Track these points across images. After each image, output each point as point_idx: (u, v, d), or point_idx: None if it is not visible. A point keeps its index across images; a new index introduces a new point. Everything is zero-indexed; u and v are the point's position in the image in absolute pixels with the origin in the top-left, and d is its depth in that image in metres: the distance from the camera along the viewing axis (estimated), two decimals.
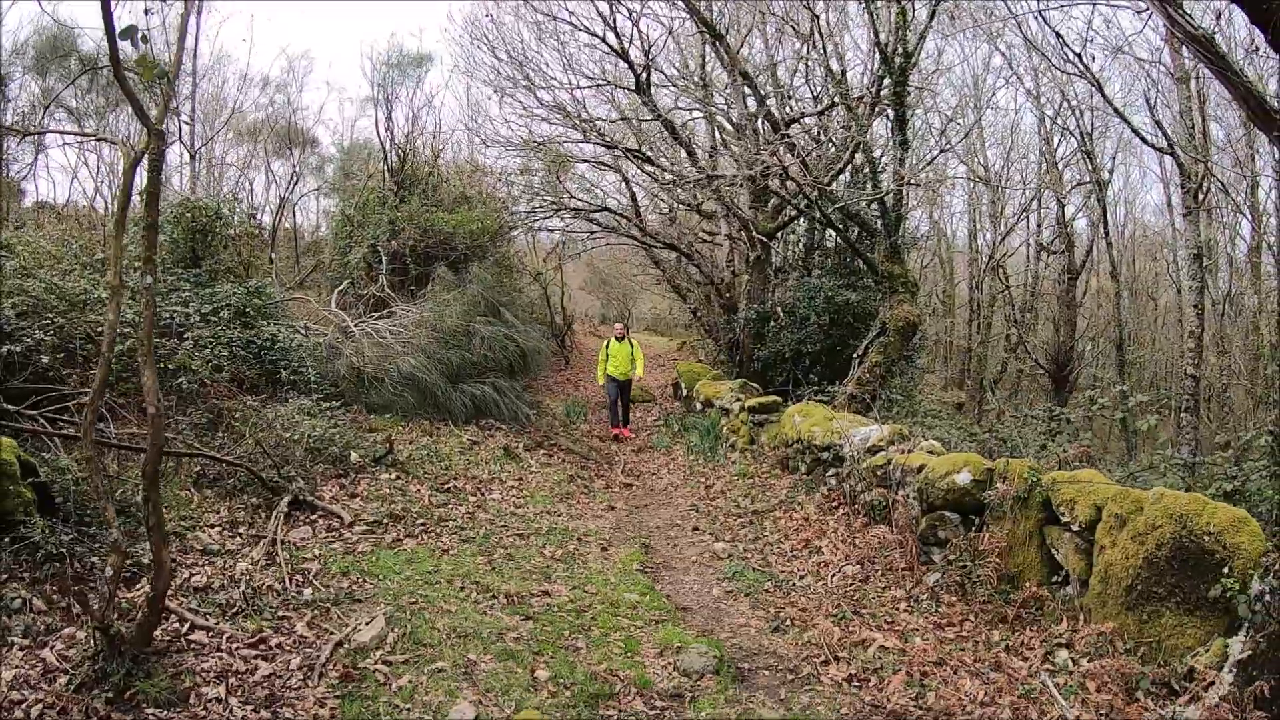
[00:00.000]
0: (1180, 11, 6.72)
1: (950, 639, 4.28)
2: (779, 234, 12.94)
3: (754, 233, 11.75)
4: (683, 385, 12.77)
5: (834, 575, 5.38)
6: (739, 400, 10.15)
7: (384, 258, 9.30)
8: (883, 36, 9.67)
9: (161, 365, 5.64)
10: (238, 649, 3.64)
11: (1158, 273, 19.06)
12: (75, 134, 13.79)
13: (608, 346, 11.06)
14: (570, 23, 10.75)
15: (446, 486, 6.36)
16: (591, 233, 14.14)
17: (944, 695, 3.66)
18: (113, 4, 2.91)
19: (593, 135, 11.68)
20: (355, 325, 7.48)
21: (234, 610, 3.95)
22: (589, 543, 6.00)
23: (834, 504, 6.84)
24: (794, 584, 5.34)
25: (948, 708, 3.54)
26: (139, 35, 2.93)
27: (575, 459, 8.50)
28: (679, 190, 12.67)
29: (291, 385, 6.50)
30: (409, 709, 3.38)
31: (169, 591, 3.48)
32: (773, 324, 12.03)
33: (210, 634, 3.71)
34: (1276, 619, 3.24)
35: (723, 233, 12.98)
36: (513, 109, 12.13)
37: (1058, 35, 12.65)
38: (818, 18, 9.54)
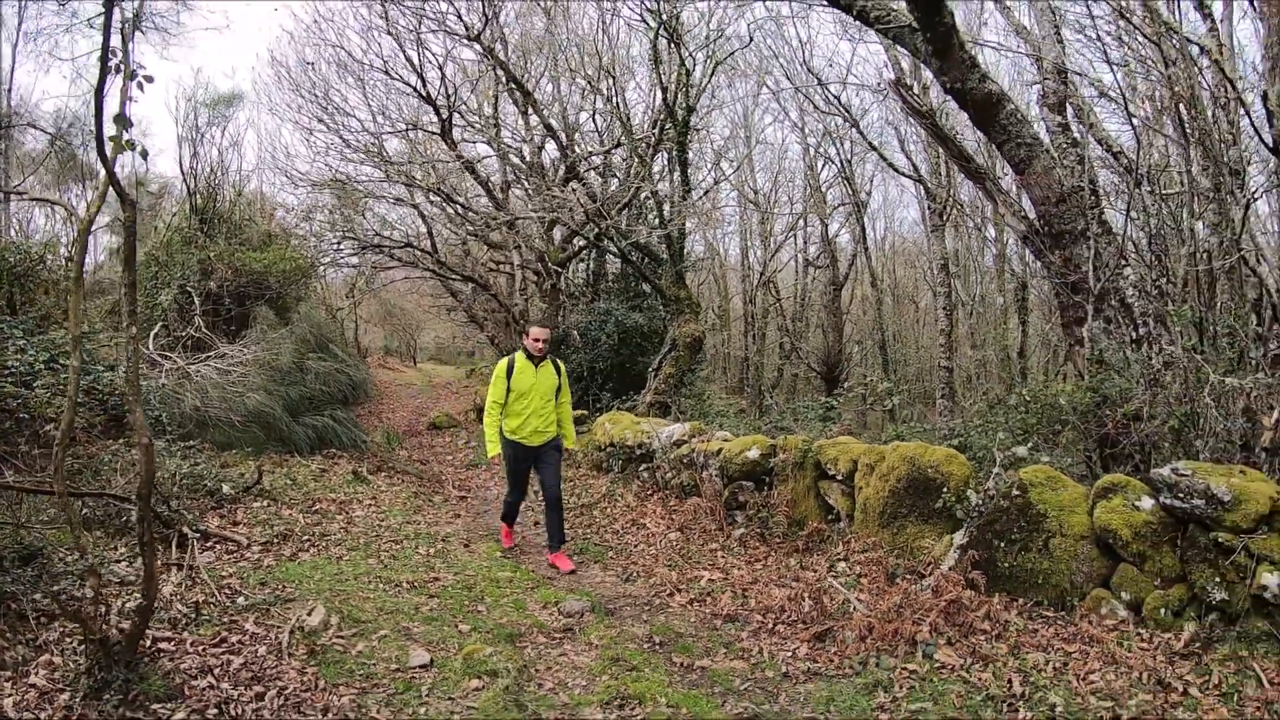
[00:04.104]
0: (910, 92, 8.83)
1: (759, 569, 5.78)
2: (569, 262, 14.35)
3: (548, 263, 13.05)
4: None
5: (661, 541, 6.75)
6: None
7: (196, 299, 9.40)
8: (667, 89, 11.47)
9: (21, 414, 5.82)
10: (205, 650, 4.25)
11: (916, 279, 22.50)
12: (23, 195, 12.44)
13: (509, 374, 6.31)
14: (386, 71, 11.46)
15: (314, 509, 6.97)
16: (388, 266, 14.68)
17: (761, 600, 5.11)
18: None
19: (396, 175, 12.38)
20: (191, 366, 7.74)
21: (184, 623, 4.50)
22: (452, 542, 6.90)
23: (649, 491, 8.22)
24: (631, 551, 6.65)
25: (766, 606, 4.99)
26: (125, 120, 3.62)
27: (412, 479, 9.27)
28: (467, 224, 13.65)
29: None
30: (375, 663, 4.23)
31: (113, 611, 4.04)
32: (567, 346, 13.37)
33: (174, 643, 4.28)
34: (982, 519, 4.95)
35: (515, 262, 14.16)
36: (318, 149, 12.53)
37: (820, 83, 15.31)
38: (613, 77, 11.06)
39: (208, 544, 5.64)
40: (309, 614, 4.76)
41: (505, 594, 5.51)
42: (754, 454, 6.74)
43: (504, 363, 6.48)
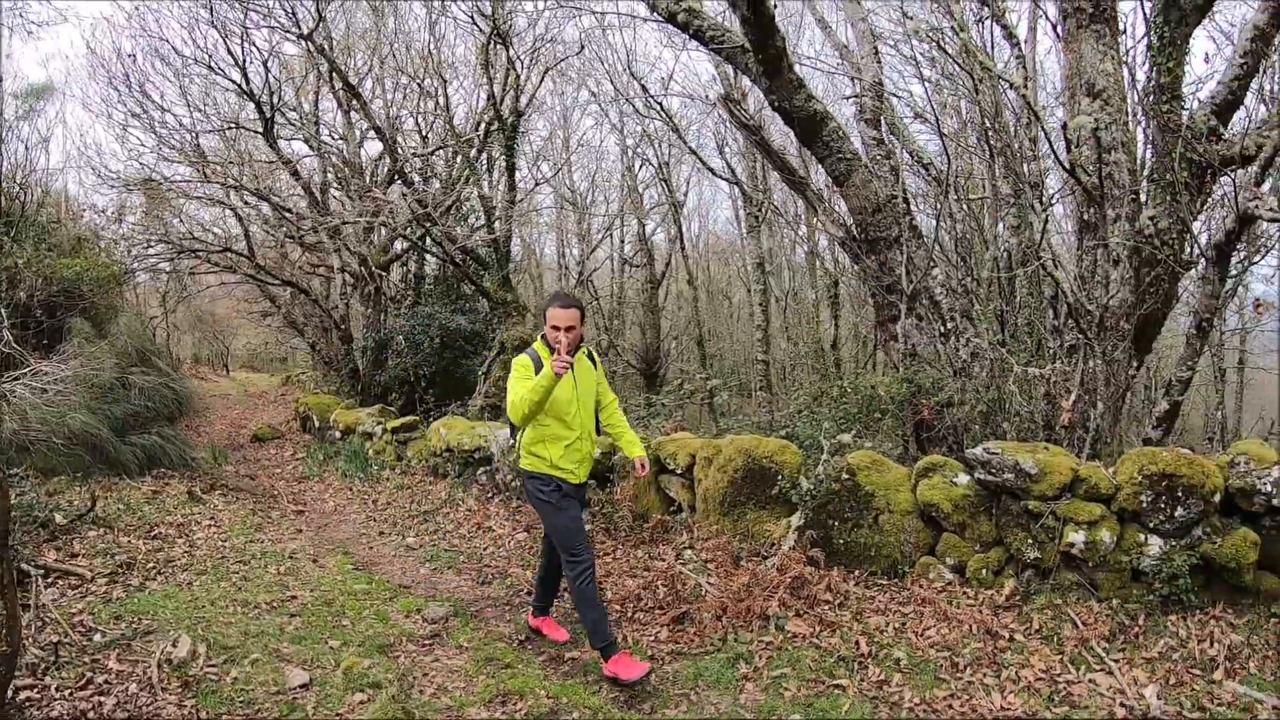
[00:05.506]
0: (739, 107, 9.21)
1: (609, 561, 6.29)
2: (391, 265, 14.29)
3: (370, 266, 12.97)
4: (314, 417, 13.35)
5: (510, 542, 7.19)
6: (380, 423, 11.43)
7: (3, 311, 8.61)
8: (495, 93, 11.72)
9: None
10: (72, 694, 4.21)
11: (730, 275, 23.45)
12: None
13: (535, 364, 4.37)
14: (209, 66, 10.93)
15: (154, 534, 6.81)
16: (204, 271, 13.94)
17: (617, 591, 5.60)
18: None
19: (214, 175, 11.86)
20: (5, 385, 7.20)
21: (43, 668, 4.43)
22: (300, 558, 6.97)
23: (489, 494, 8.55)
24: (482, 554, 7.03)
25: (623, 596, 5.47)
26: None
27: (246, 495, 9.11)
28: (285, 226, 13.28)
29: None
30: (253, 688, 4.38)
31: None
32: (390, 350, 13.35)
33: (38, 690, 4.24)
34: (816, 502, 5.52)
35: (335, 265, 13.93)
36: (132, 147, 11.78)
37: (644, 89, 15.83)
38: (443, 79, 11.20)
39: (49, 579, 5.49)
40: (174, 645, 4.83)
41: (366, 606, 5.72)
42: (595, 453, 7.32)
43: (525, 358, 4.45)
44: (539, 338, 4.54)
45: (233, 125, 12.13)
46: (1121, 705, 3.82)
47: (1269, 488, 4.47)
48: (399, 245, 14.10)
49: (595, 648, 4.45)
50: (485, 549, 7.19)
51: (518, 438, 4.70)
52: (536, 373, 4.32)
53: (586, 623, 4.44)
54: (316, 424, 13.24)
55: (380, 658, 4.79)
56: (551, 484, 4.56)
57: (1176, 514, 4.56)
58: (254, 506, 8.66)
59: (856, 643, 4.53)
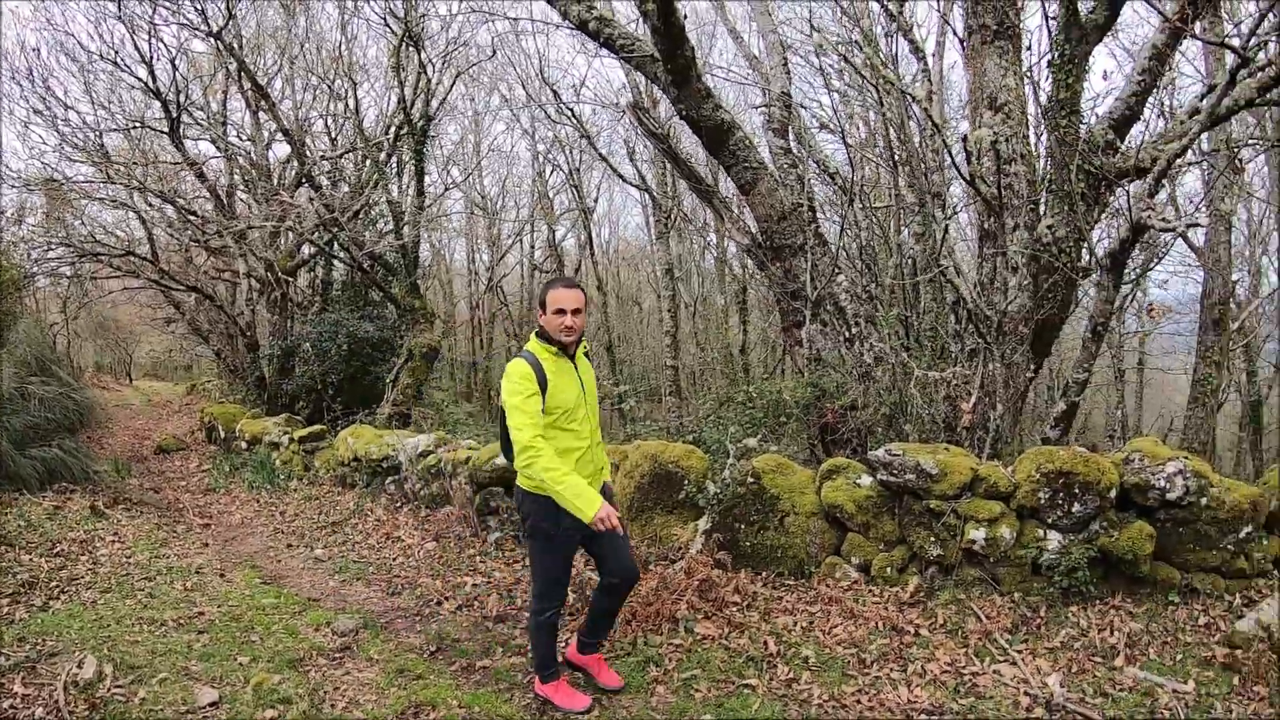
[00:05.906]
0: (648, 115, 9.25)
1: (519, 569, 6.45)
2: (298, 271, 14.16)
3: (277, 272, 12.85)
4: (220, 427, 13.14)
5: (419, 551, 7.31)
6: (287, 433, 11.36)
7: None
8: (406, 97, 11.72)
9: None
10: None
11: (640, 281, 23.59)
12: None
13: (543, 382, 3.70)
14: (115, 62, 10.64)
15: (56, 551, 6.75)
16: (106, 276, 13.52)
17: (527, 599, 5.62)
18: None
19: (118, 176, 11.56)
20: None
21: None
22: (207, 573, 6.98)
23: (398, 504, 8.64)
24: (391, 564, 7.11)
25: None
26: None
27: (151, 510, 9.02)
28: (191, 230, 13.03)
29: None
30: (162, 708, 4.42)
31: None
32: (297, 358, 13.23)
33: None
34: (723, 506, 5.62)
35: (240, 271, 13.70)
36: (33, 145, 11.36)
37: (556, 95, 15.97)
38: (353, 81, 11.20)
39: None
40: (80, 666, 4.87)
41: (275, 620, 5.78)
42: (501, 461, 7.23)
43: (524, 366, 3.72)
44: (532, 335, 3.92)
45: (138, 124, 11.85)
46: (1026, 694, 3.98)
47: (1162, 483, 4.72)
48: (306, 250, 13.98)
49: (537, 673, 4.28)
50: (394, 559, 7.30)
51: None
52: (541, 384, 3.72)
53: (535, 650, 4.24)
54: (222, 434, 13.02)
55: (290, 673, 4.90)
56: (555, 513, 3.80)
57: (1074, 510, 4.76)
58: (159, 521, 8.61)
59: (765, 643, 4.64)
